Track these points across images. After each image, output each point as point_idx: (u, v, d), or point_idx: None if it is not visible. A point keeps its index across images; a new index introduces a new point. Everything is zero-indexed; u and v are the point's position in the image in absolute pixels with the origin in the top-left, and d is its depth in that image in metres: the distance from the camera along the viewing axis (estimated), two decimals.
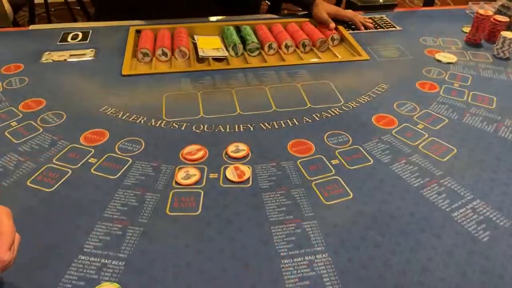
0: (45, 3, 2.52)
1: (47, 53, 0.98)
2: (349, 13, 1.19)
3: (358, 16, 1.18)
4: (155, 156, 0.66)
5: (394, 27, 1.20)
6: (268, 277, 0.48)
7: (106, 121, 0.75)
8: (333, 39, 1.10)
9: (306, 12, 1.22)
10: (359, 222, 0.55)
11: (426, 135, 0.73)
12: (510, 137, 0.73)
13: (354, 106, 0.81)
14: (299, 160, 0.66)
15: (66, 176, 0.61)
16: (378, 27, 1.19)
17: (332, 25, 1.13)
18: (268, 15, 1.22)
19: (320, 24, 1.17)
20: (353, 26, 1.19)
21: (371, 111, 0.79)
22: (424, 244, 0.52)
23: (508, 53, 1.02)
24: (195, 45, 1.06)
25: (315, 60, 1.01)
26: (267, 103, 0.82)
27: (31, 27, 1.14)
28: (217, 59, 0.99)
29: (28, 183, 0.60)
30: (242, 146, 0.69)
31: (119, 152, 0.67)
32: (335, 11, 1.18)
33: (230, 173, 0.63)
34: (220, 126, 0.74)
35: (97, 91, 0.84)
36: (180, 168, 0.64)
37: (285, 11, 1.67)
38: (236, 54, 1.02)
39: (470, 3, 1.33)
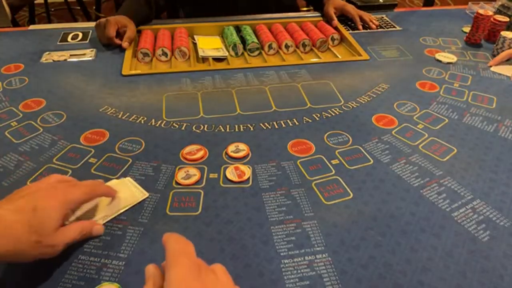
0: (45, 3, 2.52)
1: (47, 53, 0.98)
2: (353, 9, 1.20)
3: (365, 16, 1.19)
4: (155, 156, 0.66)
5: (394, 27, 1.20)
6: (268, 277, 0.48)
7: (106, 121, 0.75)
8: (333, 39, 1.10)
9: (309, 10, 1.23)
10: (359, 222, 0.55)
11: (426, 135, 0.73)
12: (510, 137, 0.73)
13: (354, 106, 0.81)
14: (299, 160, 0.66)
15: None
16: (378, 27, 1.19)
17: (334, 22, 1.14)
18: (268, 15, 1.22)
19: (322, 23, 1.17)
20: (352, 24, 1.20)
21: (371, 111, 0.79)
22: (424, 244, 0.52)
23: None
24: (195, 45, 1.06)
25: (315, 60, 1.01)
26: (267, 103, 0.82)
27: (31, 27, 1.14)
28: (217, 59, 0.99)
29: (28, 183, 0.60)
30: (242, 146, 0.69)
31: (119, 152, 0.67)
32: (342, 6, 1.21)
33: (230, 173, 0.63)
34: (220, 126, 0.74)
35: (97, 91, 0.84)
36: (180, 168, 0.64)
37: None
38: (236, 54, 1.02)
39: (470, 3, 1.33)
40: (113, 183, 0.60)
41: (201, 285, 0.34)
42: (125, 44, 0.99)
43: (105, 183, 0.57)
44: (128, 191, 0.58)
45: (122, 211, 0.55)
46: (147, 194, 0.58)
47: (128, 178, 0.61)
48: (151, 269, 0.38)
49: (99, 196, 0.55)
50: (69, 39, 1.06)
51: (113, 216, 0.54)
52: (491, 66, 0.97)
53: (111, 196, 0.56)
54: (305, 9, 1.49)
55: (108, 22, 0.99)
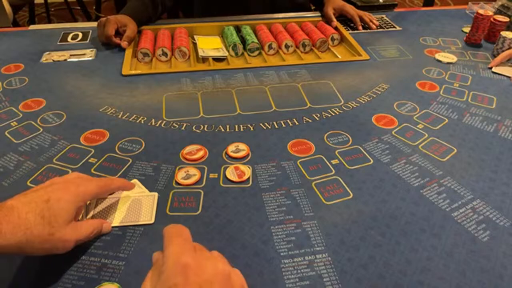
0: (45, 3, 2.52)
1: (47, 53, 0.98)
2: (352, 10, 1.20)
3: (365, 15, 1.19)
4: (155, 156, 0.66)
5: (394, 27, 1.20)
6: (268, 277, 0.48)
7: (106, 121, 0.75)
8: (333, 39, 1.10)
9: (307, 10, 1.23)
10: (359, 222, 0.55)
11: (426, 135, 0.73)
12: (510, 137, 0.73)
13: (354, 106, 0.81)
14: (299, 160, 0.66)
15: None
16: (378, 27, 1.19)
17: (334, 23, 1.14)
18: (268, 15, 1.22)
19: (321, 23, 1.17)
20: (352, 24, 1.20)
21: (371, 111, 0.79)
22: (424, 244, 0.52)
23: None
24: (195, 45, 1.06)
25: (315, 60, 1.01)
26: (267, 103, 0.82)
27: (31, 27, 1.14)
28: (217, 59, 0.99)
29: (28, 183, 0.60)
30: (242, 146, 0.69)
31: (119, 152, 0.67)
32: (341, 6, 1.21)
33: (230, 173, 0.63)
34: (220, 126, 0.74)
35: (97, 91, 0.84)
36: (180, 168, 0.64)
37: None
38: (236, 54, 1.02)
39: (470, 3, 1.33)
40: (144, 192, 0.58)
41: (193, 260, 0.36)
42: (123, 43, 0.99)
43: (134, 185, 0.57)
44: (150, 208, 0.56)
45: (135, 224, 0.54)
46: (153, 220, 0.55)
47: (156, 195, 0.58)
48: (156, 255, 0.40)
49: (114, 190, 0.54)
50: (69, 39, 1.06)
51: (126, 224, 0.54)
52: (492, 68, 0.97)
53: (127, 189, 0.55)
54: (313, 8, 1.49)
55: (107, 21, 0.99)
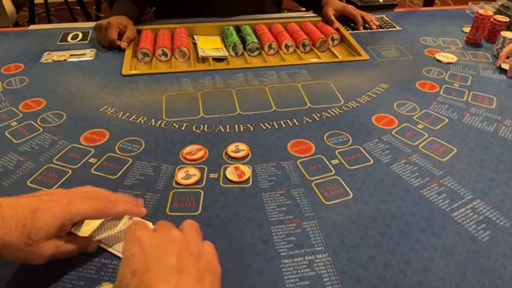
0: (45, 3, 2.52)
1: (47, 53, 0.98)
2: (353, 10, 1.20)
3: (366, 16, 1.19)
4: (155, 156, 0.66)
5: (394, 27, 1.20)
6: (268, 277, 0.48)
7: (106, 121, 0.75)
8: (333, 39, 1.10)
9: (305, 10, 1.23)
10: (359, 222, 0.55)
11: (426, 135, 0.73)
12: (510, 137, 0.73)
13: (354, 106, 0.81)
14: (299, 160, 0.66)
15: (66, 176, 0.61)
16: (378, 27, 1.19)
17: (335, 25, 1.14)
18: (268, 15, 1.22)
19: (321, 23, 1.17)
20: (352, 24, 1.20)
21: (371, 111, 0.79)
22: (424, 244, 0.52)
23: None
24: (195, 45, 1.06)
25: (315, 60, 1.01)
26: (267, 103, 0.82)
27: (31, 27, 1.14)
28: (217, 59, 0.99)
29: (28, 183, 0.60)
30: (242, 146, 0.69)
31: (119, 152, 0.67)
32: (342, 7, 1.21)
33: (230, 173, 0.63)
34: (220, 126, 0.74)
35: (97, 91, 0.84)
36: (180, 168, 0.64)
37: (285, 11, 1.67)
38: (236, 54, 1.02)
39: (470, 3, 1.33)
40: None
41: (146, 232, 0.40)
42: (123, 44, 0.99)
43: (144, 211, 0.52)
44: None
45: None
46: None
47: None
48: None
49: (114, 215, 0.50)
50: (69, 39, 1.06)
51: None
52: (500, 65, 0.96)
53: (134, 215, 0.51)
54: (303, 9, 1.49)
55: (110, 25, 0.99)
